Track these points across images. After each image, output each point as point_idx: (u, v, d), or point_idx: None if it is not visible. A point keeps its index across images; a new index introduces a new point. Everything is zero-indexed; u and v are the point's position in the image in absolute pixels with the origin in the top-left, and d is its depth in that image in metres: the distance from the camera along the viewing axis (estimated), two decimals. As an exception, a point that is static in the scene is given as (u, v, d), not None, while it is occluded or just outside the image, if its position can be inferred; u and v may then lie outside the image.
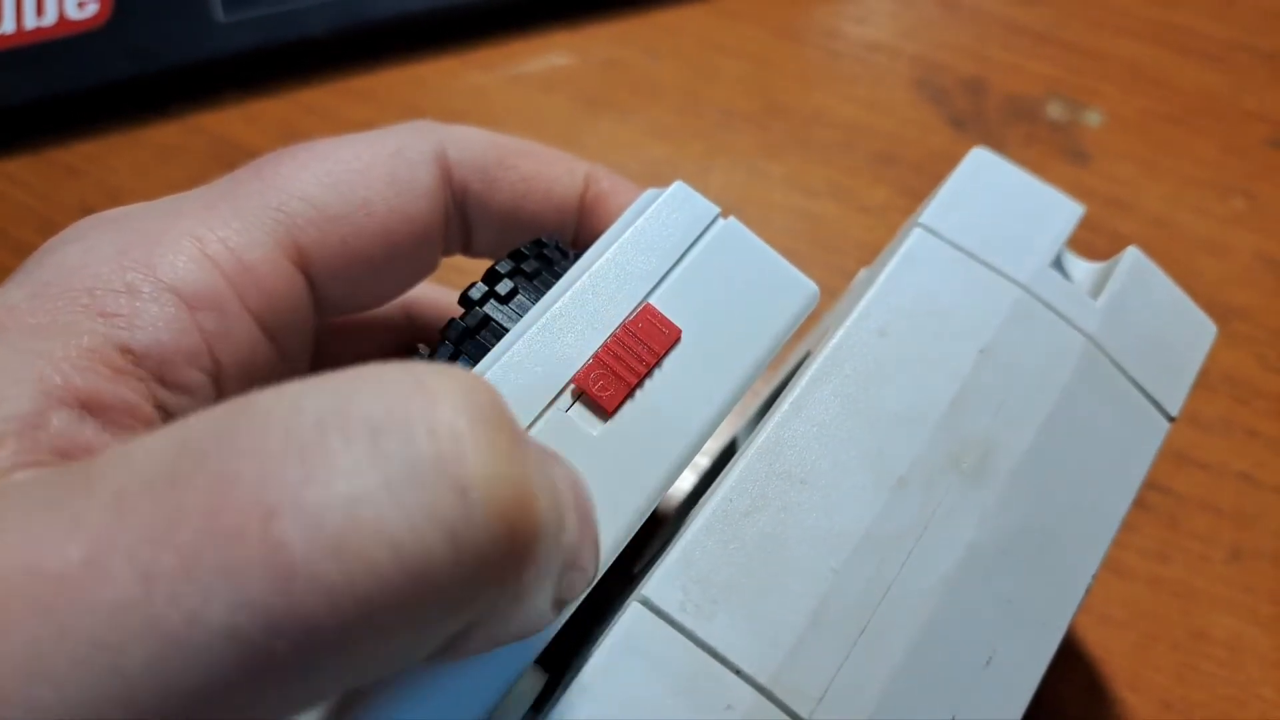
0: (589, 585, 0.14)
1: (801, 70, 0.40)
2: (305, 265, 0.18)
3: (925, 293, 0.18)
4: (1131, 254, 0.20)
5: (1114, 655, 0.27)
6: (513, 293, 0.18)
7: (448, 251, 0.21)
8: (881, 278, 0.18)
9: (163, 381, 0.15)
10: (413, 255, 0.19)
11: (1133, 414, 0.19)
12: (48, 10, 0.36)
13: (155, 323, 0.15)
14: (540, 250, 0.19)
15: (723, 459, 0.27)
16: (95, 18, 0.36)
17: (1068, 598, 0.17)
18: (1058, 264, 0.20)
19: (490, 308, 0.17)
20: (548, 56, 0.40)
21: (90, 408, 0.14)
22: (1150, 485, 0.30)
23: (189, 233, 0.16)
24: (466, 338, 0.17)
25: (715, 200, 0.18)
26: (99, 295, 0.15)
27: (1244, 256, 0.35)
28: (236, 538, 0.09)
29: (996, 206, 0.20)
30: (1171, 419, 0.19)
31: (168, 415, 0.16)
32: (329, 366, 0.21)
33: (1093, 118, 0.39)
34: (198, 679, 0.09)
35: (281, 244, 0.17)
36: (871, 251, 0.35)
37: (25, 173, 0.35)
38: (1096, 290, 0.20)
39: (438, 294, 0.25)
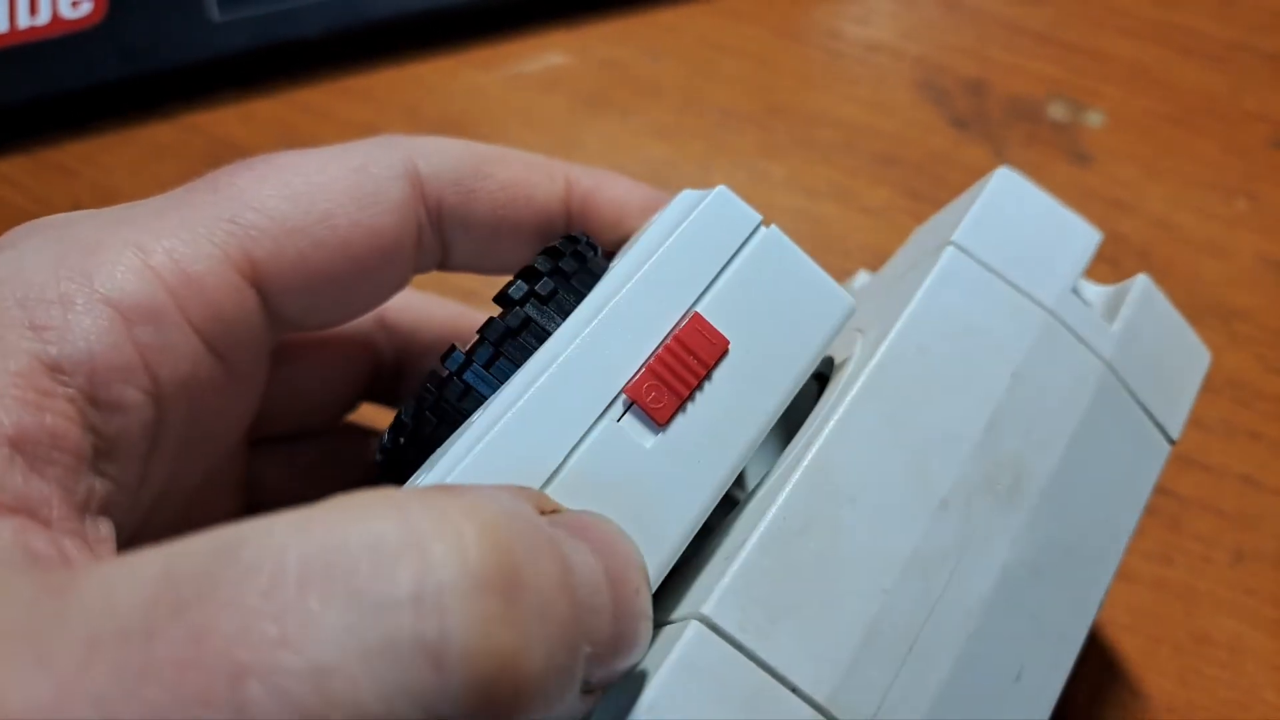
0: (641, 656, 0.14)
1: (802, 70, 0.40)
2: (258, 279, 0.17)
3: (960, 311, 0.19)
4: (1142, 282, 0.21)
5: (1117, 659, 0.27)
6: (553, 293, 0.17)
7: (421, 268, 0.20)
8: (919, 295, 0.18)
9: (94, 401, 0.15)
10: (378, 272, 0.19)
11: (1140, 437, 0.20)
12: (41, 9, 0.36)
13: (87, 335, 0.15)
14: (574, 248, 0.18)
15: None
16: (89, 17, 0.36)
17: (1085, 611, 0.18)
18: (1074, 288, 0.20)
19: (531, 308, 0.17)
20: (546, 56, 0.39)
21: (17, 445, 0.13)
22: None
23: (131, 242, 0.16)
24: (507, 338, 0.17)
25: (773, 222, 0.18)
26: (30, 306, 0.14)
27: (1246, 258, 0.35)
28: (204, 699, 0.09)
29: (1023, 229, 0.20)
30: (1173, 442, 0.20)
31: (100, 439, 0.15)
32: (291, 384, 0.21)
33: (1094, 118, 0.38)
34: None
35: (231, 256, 0.16)
36: (873, 253, 0.34)
37: (18, 173, 0.35)
38: (1109, 314, 0.20)
39: (417, 301, 0.24)
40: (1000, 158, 0.37)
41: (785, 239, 0.18)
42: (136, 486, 0.16)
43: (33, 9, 0.36)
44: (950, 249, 0.19)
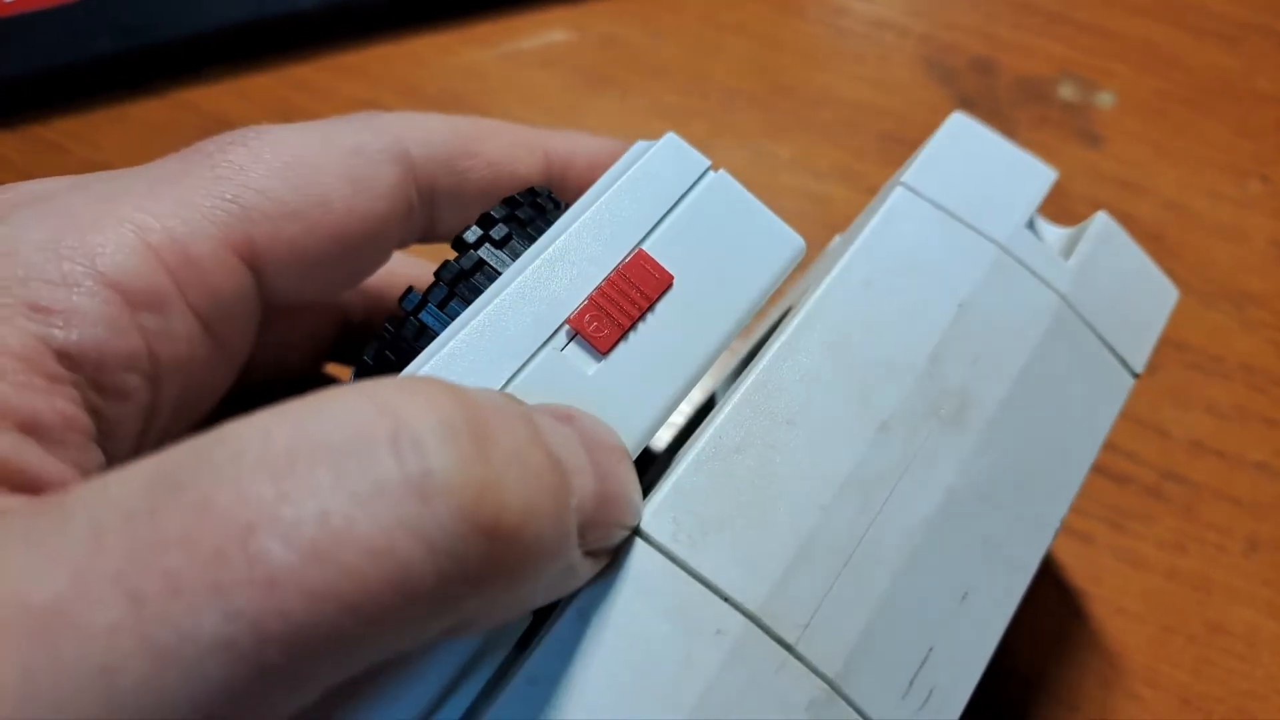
0: (625, 534, 0.15)
1: (807, 48, 0.39)
2: (255, 261, 0.17)
3: (907, 247, 0.19)
4: (1101, 218, 0.21)
5: (1130, 649, 0.27)
6: (507, 238, 0.18)
7: (402, 244, 0.20)
8: (865, 232, 0.19)
9: (99, 387, 0.14)
10: (369, 252, 0.19)
11: (1100, 370, 0.20)
12: (29, -18, 0.35)
13: (94, 322, 0.14)
14: (534, 199, 0.19)
15: (702, 414, 0.28)
16: (79, -10, 0.35)
17: (1038, 540, 0.18)
18: (1031, 226, 0.21)
19: (485, 251, 0.18)
20: (546, 33, 0.39)
21: (29, 429, 0.13)
22: (1167, 474, 0.29)
23: (129, 219, 0.15)
24: (460, 280, 0.17)
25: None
26: (32, 286, 0.14)
27: (1260, 242, 0.34)
28: (219, 555, 0.10)
29: (975, 169, 0.20)
30: (1136, 375, 0.20)
31: (103, 422, 0.15)
32: (271, 349, 0.21)
33: (1105, 99, 0.38)
34: (193, 693, 0.09)
35: (231, 238, 0.16)
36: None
37: (8, 150, 0.34)
38: (1067, 253, 0.21)
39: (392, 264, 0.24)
40: (1010, 138, 0.37)
41: (734, 182, 0.18)
42: (127, 460, 0.15)
43: (20, -18, 0.35)
44: (899, 189, 0.20)
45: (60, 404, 0.14)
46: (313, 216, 0.17)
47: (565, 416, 0.14)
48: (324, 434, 0.11)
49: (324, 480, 0.10)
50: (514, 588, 0.12)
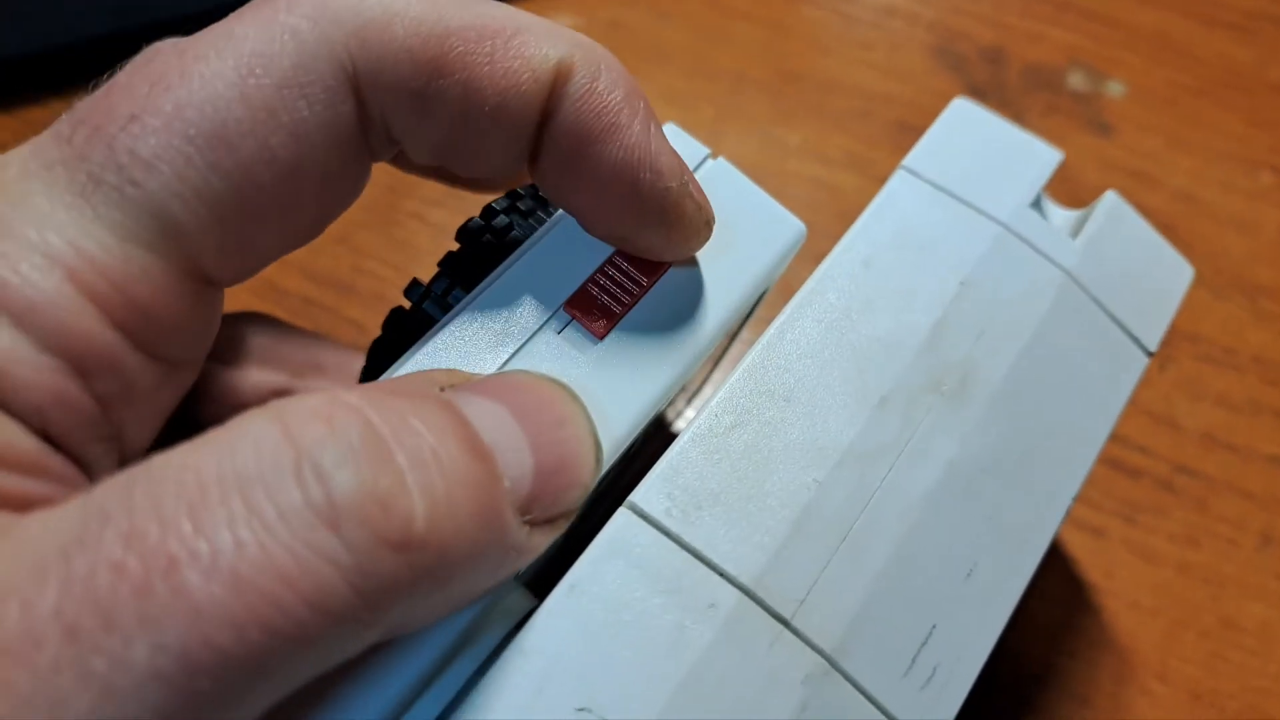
0: (584, 494, 0.14)
1: (815, 35, 0.38)
2: (200, 275, 0.14)
3: (907, 227, 0.19)
4: (1110, 197, 0.21)
5: (1142, 644, 0.27)
6: (508, 228, 0.18)
7: (359, 175, 0.16)
8: (865, 214, 0.19)
9: (58, 449, 0.13)
10: (315, 209, 0.15)
11: (1111, 347, 0.20)
12: (25, -40, 0.34)
13: (43, 403, 0.13)
14: (535, 190, 0.19)
15: None
16: (76, -32, 0.34)
17: (1048, 517, 0.18)
18: (1037, 207, 0.20)
19: (488, 241, 0.18)
20: (553, 18, 0.38)
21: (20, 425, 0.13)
22: (1179, 468, 0.29)
23: (41, 249, 0.12)
24: (463, 269, 0.17)
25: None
26: None
27: (1272, 233, 0.34)
28: (145, 588, 0.10)
29: (977, 151, 0.20)
30: (1150, 354, 0.20)
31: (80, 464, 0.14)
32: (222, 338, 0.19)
33: (1115, 88, 0.37)
34: None
35: (173, 263, 0.14)
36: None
37: (2, 133, 0.34)
38: (1076, 233, 0.21)
39: None
40: (1020, 127, 0.36)
41: (733, 169, 0.18)
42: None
43: (15, -40, 0.34)
44: (900, 172, 0.20)
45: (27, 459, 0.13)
46: (252, 205, 0.14)
47: (499, 390, 0.14)
48: (237, 465, 0.11)
49: (237, 510, 0.11)
50: (442, 587, 0.12)
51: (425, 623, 0.13)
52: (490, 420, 0.13)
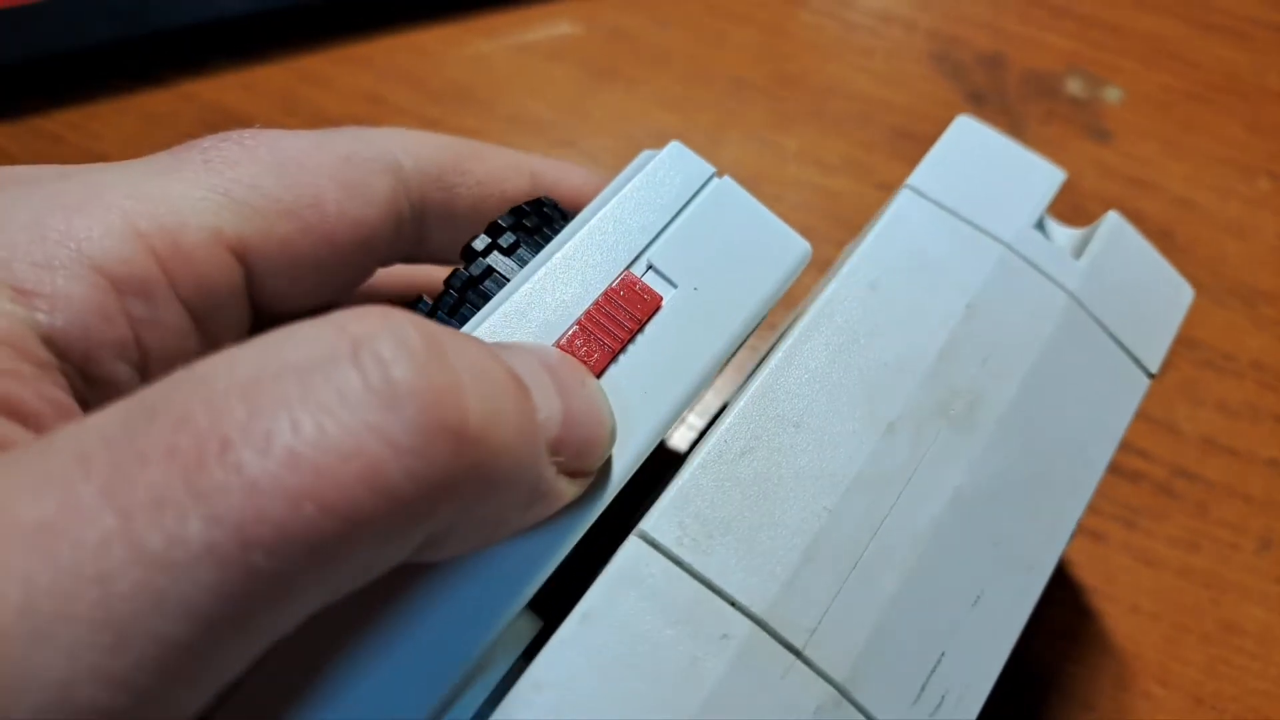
0: (604, 454, 0.15)
1: (814, 41, 0.39)
2: (245, 256, 0.16)
3: (913, 249, 0.19)
4: (1112, 217, 0.21)
5: (1143, 648, 0.27)
6: (515, 245, 0.18)
7: (386, 261, 0.20)
8: (871, 235, 0.19)
9: (86, 376, 0.14)
10: (353, 262, 0.18)
11: (1114, 370, 0.20)
12: (29, -31, 0.34)
13: (80, 307, 0.14)
14: (540, 208, 0.19)
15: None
16: (79, -23, 0.34)
17: (1053, 541, 0.18)
18: (1040, 227, 0.21)
19: (494, 259, 0.18)
20: (554, 24, 0.38)
21: (17, 415, 0.13)
22: (1179, 472, 0.29)
23: (117, 206, 0.15)
24: (470, 286, 0.17)
25: (727, 173, 0.18)
26: (15, 268, 0.13)
27: (1269, 238, 0.34)
28: (199, 467, 0.10)
29: (981, 170, 0.20)
30: (1151, 375, 0.20)
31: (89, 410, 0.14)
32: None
33: (1113, 94, 0.38)
34: (186, 598, 0.10)
35: (223, 231, 0.16)
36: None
37: (6, 140, 0.34)
38: (1078, 253, 0.21)
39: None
40: (1018, 133, 0.36)
41: (738, 188, 0.18)
42: None
43: (19, -31, 0.34)
44: (905, 191, 0.20)
45: (48, 390, 0.13)
46: (305, 217, 0.17)
47: (526, 346, 0.15)
48: (288, 356, 0.11)
49: (292, 395, 0.11)
50: (486, 496, 0.12)
51: (456, 550, 0.13)
52: (523, 363, 0.14)
